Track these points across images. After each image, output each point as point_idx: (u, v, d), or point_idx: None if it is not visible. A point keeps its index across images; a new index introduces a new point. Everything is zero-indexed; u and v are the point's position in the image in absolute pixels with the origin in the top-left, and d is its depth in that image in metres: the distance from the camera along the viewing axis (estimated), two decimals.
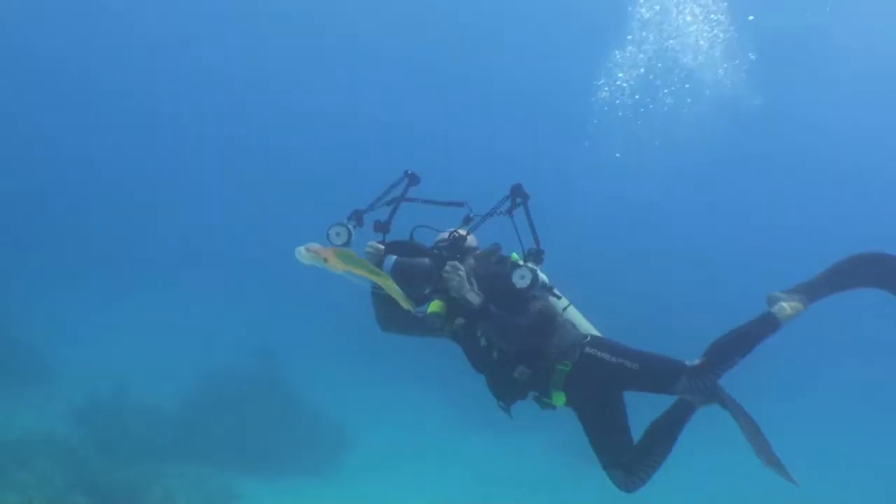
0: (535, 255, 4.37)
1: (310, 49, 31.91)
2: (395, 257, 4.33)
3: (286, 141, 31.62)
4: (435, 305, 4.32)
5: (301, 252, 4.03)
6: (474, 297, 4.27)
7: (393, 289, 4.15)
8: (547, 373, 4.45)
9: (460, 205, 4.49)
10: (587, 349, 4.51)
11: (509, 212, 4.43)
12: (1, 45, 29.21)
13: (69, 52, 30.93)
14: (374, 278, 4.14)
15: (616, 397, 4.59)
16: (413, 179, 4.60)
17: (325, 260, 4.00)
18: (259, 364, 16.70)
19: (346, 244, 4.35)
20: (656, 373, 4.53)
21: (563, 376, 4.45)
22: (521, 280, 4.28)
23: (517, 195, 4.44)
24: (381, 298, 4.42)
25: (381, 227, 4.51)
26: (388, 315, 4.55)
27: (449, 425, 17.31)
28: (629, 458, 4.57)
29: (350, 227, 4.42)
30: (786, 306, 4.62)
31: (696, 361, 4.54)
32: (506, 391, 4.52)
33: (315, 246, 4.05)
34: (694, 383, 4.51)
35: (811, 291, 4.70)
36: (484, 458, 16.11)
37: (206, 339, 18.71)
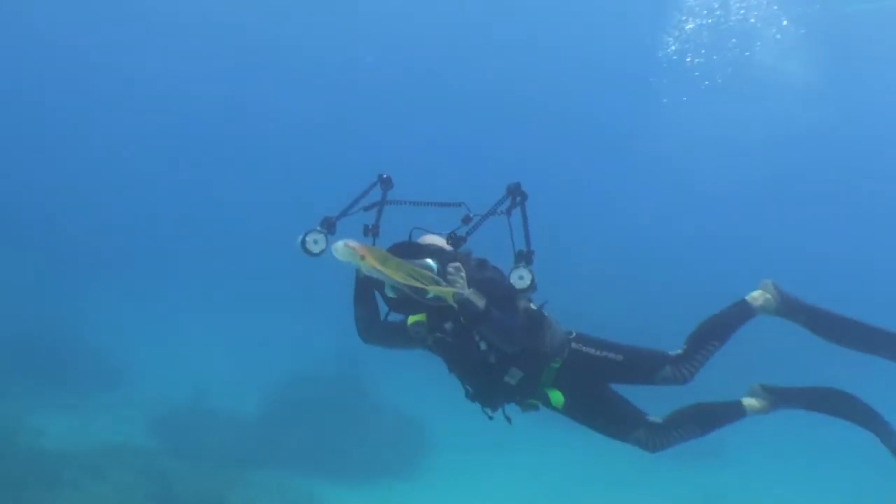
0: (527, 257, 4.27)
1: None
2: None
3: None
4: (416, 315, 4.22)
5: (339, 248, 3.88)
6: (478, 300, 4.12)
7: (436, 288, 3.98)
8: (537, 373, 4.42)
9: (458, 205, 4.33)
10: (573, 345, 4.52)
11: (508, 211, 4.35)
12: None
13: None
14: (411, 280, 3.93)
15: (604, 389, 4.60)
16: (386, 183, 4.44)
17: (363, 258, 3.84)
18: (339, 367, 16.37)
19: (324, 252, 4.22)
20: (640, 363, 4.57)
21: (552, 375, 4.44)
22: (520, 281, 4.23)
23: (516, 194, 4.36)
24: (362, 309, 4.38)
25: (371, 232, 4.39)
26: (370, 326, 4.43)
27: (531, 422, 16.20)
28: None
29: (326, 234, 4.25)
30: (758, 295, 4.78)
31: (680, 349, 4.63)
32: (494, 396, 4.47)
33: (353, 242, 3.90)
34: (677, 371, 4.58)
35: (791, 308, 4.81)
36: (569, 457, 15.41)
37: (285, 344, 18.52)
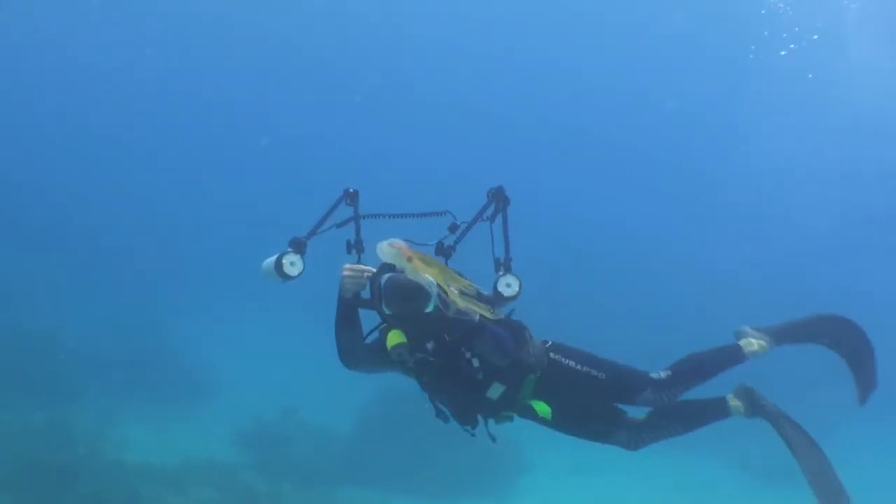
0: (506, 264, 4.24)
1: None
2: (388, 274, 3.94)
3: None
4: (396, 336, 3.97)
5: (384, 248, 3.68)
6: (472, 313, 3.96)
7: (470, 301, 3.80)
8: (518, 386, 4.28)
9: (442, 214, 4.23)
10: (551, 355, 4.40)
11: (492, 217, 4.29)
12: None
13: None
14: (452, 291, 3.75)
15: (582, 399, 4.48)
16: (353, 197, 4.32)
17: (409, 259, 3.65)
18: None
19: (302, 274, 4.14)
20: (622, 383, 4.48)
21: (531, 386, 4.31)
22: (507, 289, 4.19)
23: (499, 199, 4.30)
24: (347, 332, 4.11)
25: (356, 247, 4.25)
26: (354, 350, 4.16)
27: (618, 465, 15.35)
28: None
29: (302, 255, 4.17)
30: (753, 342, 4.73)
31: (662, 375, 4.56)
32: (477, 413, 4.33)
33: (399, 243, 3.71)
34: (658, 396, 4.51)
35: (779, 335, 4.79)
36: (664, 477, 14.51)
37: None
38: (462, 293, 3.93)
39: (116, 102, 29.56)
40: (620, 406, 4.60)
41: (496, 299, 4.25)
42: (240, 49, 29.73)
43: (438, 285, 3.77)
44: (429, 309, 3.88)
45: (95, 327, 17.17)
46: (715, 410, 4.66)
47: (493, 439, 4.35)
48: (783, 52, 25.36)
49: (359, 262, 4.17)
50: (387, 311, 3.95)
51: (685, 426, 4.62)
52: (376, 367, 4.25)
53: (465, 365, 4.12)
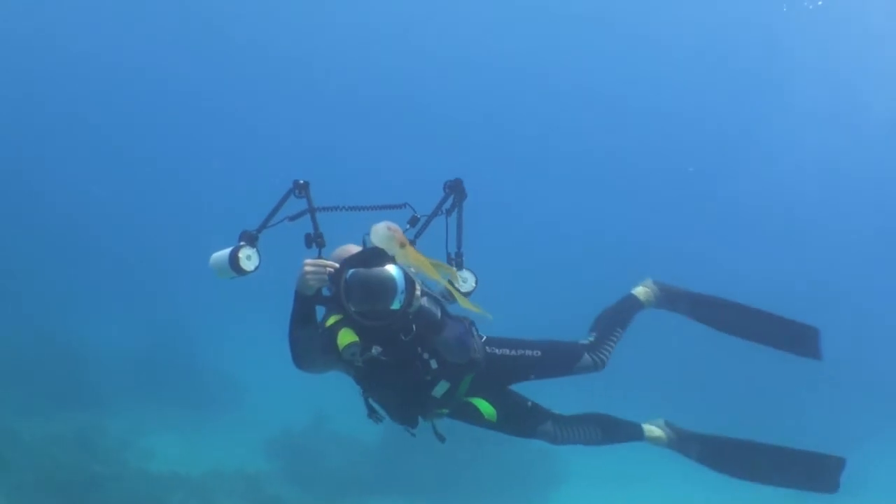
0: (457, 259, 4.22)
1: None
2: (350, 271, 3.71)
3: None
4: (347, 335, 3.78)
5: (379, 230, 3.58)
6: (434, 308, 3.83)
7: (465, 301, 3.86)
8: (458, 383, 4.19)
9: (401, 207, 4.10)
10: (487, 349, 4.30)
11: (449, 211, 4.21)
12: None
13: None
14: (445, 281, 3.81)
15: (509, 390, 4.48)
16: (304, 189, 4.13)
17: (402, 245, 3.59)
18: None
19: (258, 268, 4.06)
20: (560, 355, 4.54)
21: (468, 383, 4.23)
22: (464, 284, 4.20)
23: (456, 192, 4.23)
24: (303, 330, 3.86)
25: (316, 241, 4.04)
26: (309, 350, 3.90)
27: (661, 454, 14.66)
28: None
29: (257, 248, 4.08)
30: (641, 290, 5.06)
31: (591, 338, 4.70)
32: (419, 412, 4.19)
33: (396, 227, 3.63)
34: (596, 357, 4.63)
35: (670, 298, 5.11)
36: (707, 488, 13.63)
37: None
38: (448, 290, 3.93)
39: (139, 106, 29.68)
40: (541, 406, 4.58)
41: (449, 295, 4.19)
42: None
43: (412, 281, 3.67)
44: (395, 306, 3.69)
45: (123, 335, 17.09)
46: (631, 431, 4.80)
47: (442, 439, 4.25)
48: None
49: (319, 256, 3.97)
50: (352, 309, 3.71)
51: (604, 435, 4.69)
52: (324, 367, 4.06)
53: (421, 364, 4.01)
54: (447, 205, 4.22)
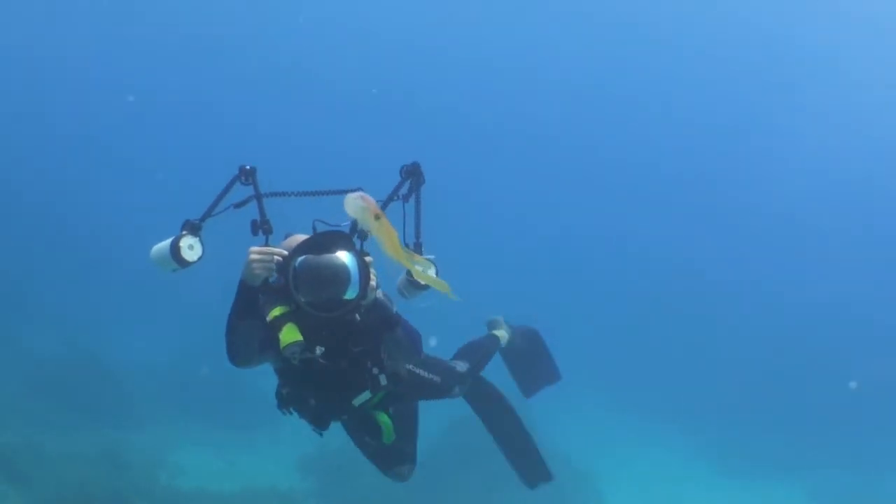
0: (417, 248, 3.99)
1: None
2: (299, 258, 3.56)
3: None
4: (291, 332, 3.58)
5: (352, 201, 3.23)
6: (389, 302, 3.80)
7: (431, 279, 3.63)
8: (376, 393, 3.98)
9: (354, 191, 3.53)
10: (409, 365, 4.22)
11: (406, 197, 4.01)
12: None
13: None
14: (408, 265, 3.51)
15: (412, 409, 4.46)
16: (251, 175, 3.85)
17: (377, 217, 3.23)
18: None
19: (202, 258, 3.87)
20: (447, 380, 4.53)
21: (380, 397, 4.03)
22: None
23: (414, 177, 4.02)
24: (245, 323, 3.65)
25: (263, 228, 3.78)
26: (249, 344, 3.71)
27: (699, 474, 15.64)
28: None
29: (201, 238, 3.87)
30: (501, 334, 5.38)
31: (465, 366, 4.78)
32: (335, 418, 4.05)
33: (369, 198, 3.28)
34: (461, 389, 4.72)
35: (517, 339, 5.46)
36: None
37: None
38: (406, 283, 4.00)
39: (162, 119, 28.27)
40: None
41: (406, 289, 4.14)
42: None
43: (367, 270, 3.58)
44: (349, 296, 3.55)
45: (154, 349, 16.32)
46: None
47: (321, 435, 4.11)
48: None
49: (266, 244, 3.71)
50: (302, 299, 3.52)
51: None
52: (259, 363, 3.88)
53: (370, 379, 3.86)
54: (404, 190, 4.01)
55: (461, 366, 4.78)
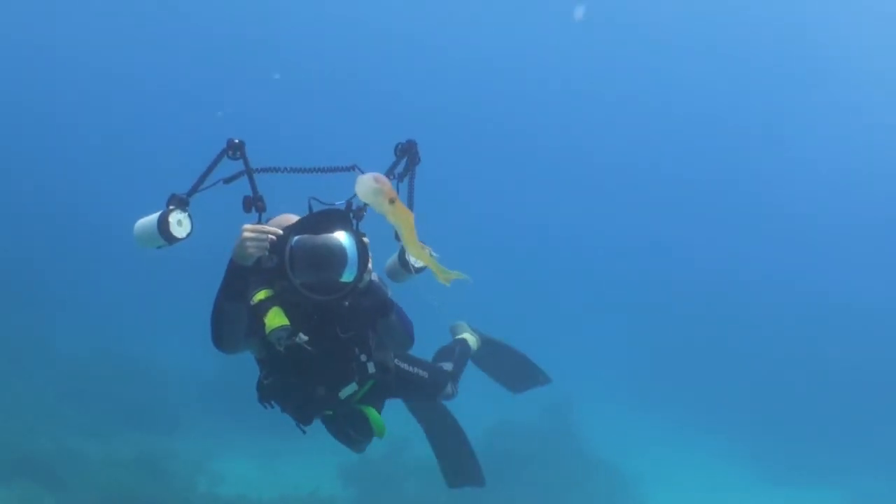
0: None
1: None
2: (295, 238, 3.42)
3: None
4: (277, 316, 3.47)
5: (365, 182, 3.03)
6: (384, 286, 3.66)
7: (436, 265, 3.29)
8: (362, 386, 3.86)
9: (350, 170, 3.58)
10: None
11: (401, 176, 3.79)
12: None
13: None
14: (416, 247, 3.22)
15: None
16: (240, 148, 3.63)
17: (392, 201, 3.04)
18: (549, 418, 14.94)
19: (191, 234, 3.67)
20: (436, 377, 4.47)
21: (367, 390, 3.90)
22: (418, 260, 3.82)
23: (409, 155, 3.79)
24: (232, 306, 3.46)
25: (256, 205, 3.61)
26: (235, 330, 3.53)
27: (739, 480, 15.35)
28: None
29: (189, 213, 3.65)
30: (468, 337, 5.29)
31: (450, 366, 4.75)
32: (320, 412, 3.91)
33: (385, 179, 3.08)
34: (454, 388, 4.67)
35: (485, 346, 5.35)
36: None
37: (490, 392, 12.86)
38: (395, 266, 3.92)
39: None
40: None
41: (397, 273, 4.04)
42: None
43: (365, 252, 3.44)
44: (346, 278, 3.42)
45: (195, 355, 15.30)
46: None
47: (304, 431, 3.97)
48: None
49: (259, 221, 3.56)
50: (297, 281, 3.40)
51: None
52: (244, 348, 3.71)
53: (357, 366, 3.75)
54: (399, 169, 3.81)
55: (447, 365, 4.75)
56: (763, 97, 30.71)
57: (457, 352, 4.98)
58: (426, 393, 4.47)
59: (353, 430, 4.01)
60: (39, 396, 13.02)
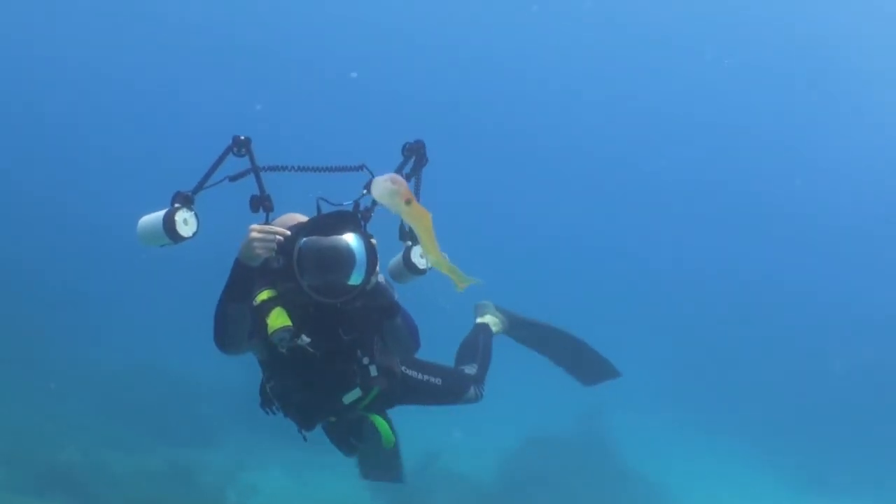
0: (412, 233, 3.70)
1: None
2: (303, 239, 3.38)
3: None
4: (280, 317, 3.42)
5: (381, 184, 2.94)
6: (390, 288, 3.58)
7: (453, 270, 3.18)
8: (368, 392, 3.78)
9: (358, 169, 3.59)
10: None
11: (408, 177, 3.74)
12: None
13: None
14: (435, 248, 3.12)
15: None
16: (246, 146, 3.59)
17: (408, 202, 2.95)
18: (583, 429, 14.87)
19: (196, 233, 3.60)
20: (453, 386, 4.39)
21: (373, 396, 3.81)
22: (421, 259, 3.81)
23: (417, 156, 3.77)
24: (236, 307, 3.41)
25: (264, 204, 3.55)
26: (239, 331, 3.47)
27: (774, 492, 15.23)
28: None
29: (195, 211, 3.59)
30: (491, 320, 5.05)
31: (473, 369, 4.61)
32: (323, 417, 3.85)
33: (402, 180, 2.99)
34: (478, 390, 4.55)
35: (513, 326, 5.13)
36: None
37: (523, 401, 16.28)
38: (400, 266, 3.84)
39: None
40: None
41: (401, 274, 3.94)
42: None
43: (374, 254, 3.40)
44: (354, 281, 3.38)
45: (227, 366, 15.08)
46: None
47: (304, 438, 3.97)
48: None
49: (267, 221, 3.52)
50: (305, 282, 3.36)
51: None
52: (246, 350, 3.65)
53: (359, 369, 3.68)
54: (407, 169, 3.79)
55: (469, 368, 4.63)
56: (793, 106, 30.69)
57: (480, 347, 4.82)
58: (443, 400, 4.39)
59: (354, 437, 3.94)
60: (72, 409, 13.08)
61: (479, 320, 5.06)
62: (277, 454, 13.41)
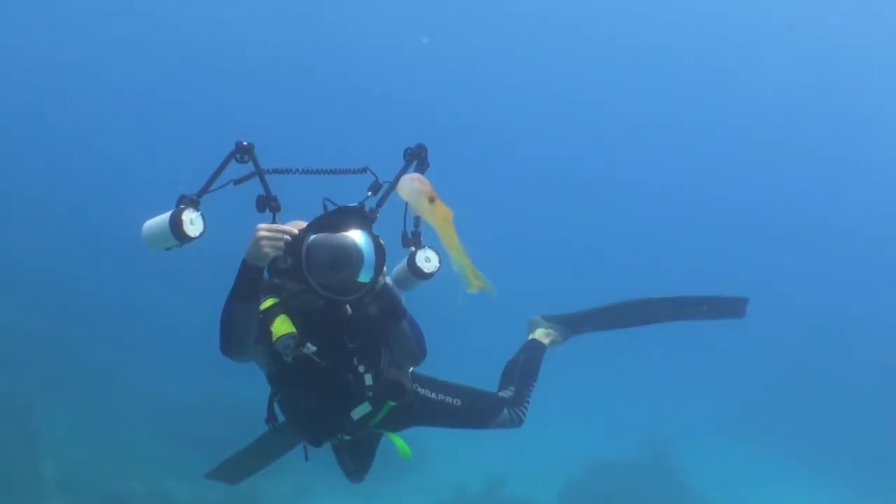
0: (415, 238, 3.77)
1: None
2: (311, 236, 3.33)
3: None
4: (284, 324, 3.41)
5: (407, 183, 3.11)
6: (397, 291, 3.58)
7: (475, 272, 3.20)
8: (379, 408, 3.79)
9: (361, 172, 3.62)
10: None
11: None
12: None
13: None
14: (458, 251, 3.17)
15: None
16: (249, 151, 3.57)
17: (432, 200, 3.07)
18: (649, 456, 14.70)
19: (203, 234, 3.54)
20: (478, 409, 4.30)
21: (386, 412, 3.83)
22: (427, 263, 3.75)
23: (418, 159, 3.71)
24: (244, 310, 3.34)
25: (271, 204, 3.57)
26: (246, 333, 3.39)
27: None
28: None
29: (202, 212, 3.53)
30: (542, 334, 4.89)
31: (510, 392, 4.52)
32: (332, 434, 3.83)
33: (426, 180, 3.13)
34: (514, 413, 4.45)
35: (573, 325, 4.97)
36: None
37: (588, 427, 16.49)
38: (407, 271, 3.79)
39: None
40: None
41: (406, 280, 3.88)
42: None
43: (382, 252, 3.37)
44: (363, 279, 3.34)
45: None
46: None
47: (306, 458, 4.09)
48: None
49: (274, 221, 3.50)
50: (314, 280, 3.30)
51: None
52: (252, 356, 3.57)
53: (354, 378, 3.63)
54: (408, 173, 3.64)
55: (506, 392, 4.54)
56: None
57: (519, 367, 4.69)
58: (467, 423, 4.31)
59: (352, 459, 4.00)
60: (134, 438, 13.14)
61: (529, 337, 4.94)
62: (339, 483, 13.46)
